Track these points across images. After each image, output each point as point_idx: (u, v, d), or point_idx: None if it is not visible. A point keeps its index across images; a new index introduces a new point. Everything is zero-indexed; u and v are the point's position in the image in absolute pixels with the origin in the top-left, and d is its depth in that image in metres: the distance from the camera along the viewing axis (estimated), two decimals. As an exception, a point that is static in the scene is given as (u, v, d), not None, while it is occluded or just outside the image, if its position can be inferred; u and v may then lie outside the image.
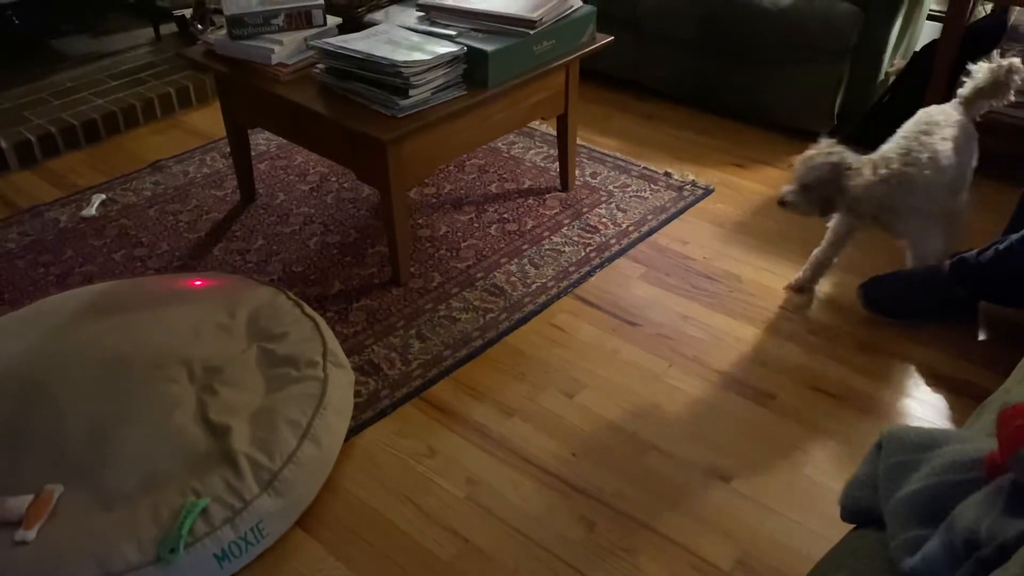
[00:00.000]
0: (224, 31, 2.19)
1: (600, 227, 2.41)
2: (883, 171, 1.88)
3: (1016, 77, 1.92)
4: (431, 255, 2.29)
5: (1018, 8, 2.74)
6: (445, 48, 1.96)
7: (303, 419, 1.60)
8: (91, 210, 2.51)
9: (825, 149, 1.86)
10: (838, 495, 1.08)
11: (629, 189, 2.59)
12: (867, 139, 2.80)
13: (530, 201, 2.54)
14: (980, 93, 1.96)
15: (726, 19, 2.77)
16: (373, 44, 1.97)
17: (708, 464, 1.68)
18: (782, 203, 1.92)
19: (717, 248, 2.32)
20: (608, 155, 2.78)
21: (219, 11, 2.99)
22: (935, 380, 1.87)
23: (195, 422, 1.59)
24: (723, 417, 1.79)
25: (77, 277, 2.23)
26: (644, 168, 2.70)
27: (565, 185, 2.58)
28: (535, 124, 2.91)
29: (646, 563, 1.48)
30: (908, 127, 1.97)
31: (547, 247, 2.32)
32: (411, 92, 1.90)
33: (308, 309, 1.91)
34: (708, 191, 2.57)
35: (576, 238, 2.36)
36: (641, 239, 2.35)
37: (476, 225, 2.42)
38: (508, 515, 1.58)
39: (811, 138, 2.81)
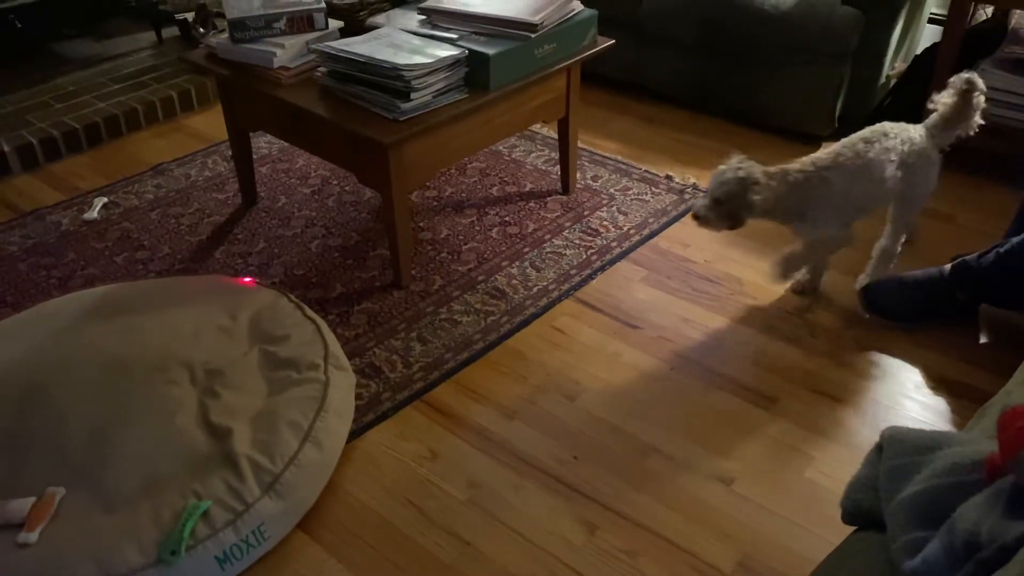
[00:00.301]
0: (226, 34, 2.19)
1: (601, 230, 2.41)
2: (797, 176, 1.89)
3: (978, 95, 1.90)
4: (432, 258, 2.30)
5: (1019, 11, 2.75)
6: (446, 51, 1.97)
7: (304, 421, 1.60)
8: (93, 213, 2.52)
9: (735, 164, 1.88)
10: (839, 497, 1.08)
11: (630, 192, 2.60)
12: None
13: (531, 204, 2.54)
14: (947, 121, 1.94)
15: (727, 22, 2.78)
16: (375, 47, 1.98)
17: (709, 466, 1.68)
18: (695, 217, 1.95)
19: (718, 251, 2.32)
20: (609, 158, 2.78)
21: (221, 14, 3.00)
22: (936, 383, 1.87)
23: (196, 424, 1.60)
24: (724, 420, 1.79)
25: (79, 280, 2.24)
26: (645, 171, 2.71)
27: (566, 188, 2.58)
28: (536, 127, 2.91)
29: (647, 565, 1.48)
30: (855, 134, 1.97)
31: (548, 250, 2.33)
32: (412, 95, 1.91)
33: (309, 312, 1.91)
34: (709, 194, 2.57)
35: (577, 241, 2.36)
36: (642, 242, 2.36)
37: (477, 228, 2.42)
38: (509, 518, 1.58)
39: (812, 141, 2.84)
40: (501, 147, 2.85)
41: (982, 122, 1.95)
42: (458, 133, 2.09)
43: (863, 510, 1.03)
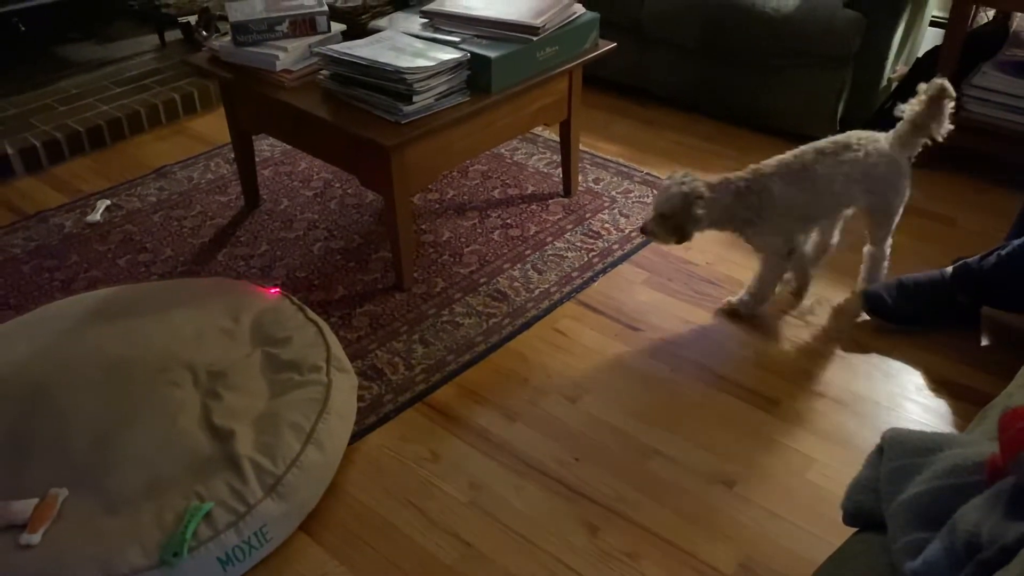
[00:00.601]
0: (229, 38, 2.20)
1: (603, 232, 2.41)
2: (739, 185, 1.90)
3: (949, 102, 1.90)
4: (434, 260, 2.30)
5: (1020, 14, 2.75)
6: (448, 54, 1.97)
7: (307, 423, 1.60)
8: (96, 216, 2.52)
9: (679, 179, 1.89)
10: (840, 499, 1.08)
11: (632, 195, 2.60)
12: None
13: (533, 207, 2.54)
14: (916, 128, 1.93)
15: (729, 25, 2.78)
16: (377, 50, 1.98)
17: (711, 468, 1.68)
18: (643, 231, 1.96)
19: (719, 253, 2.32)
20: (611, 161, 2.79)
21: (224, 18, 3.01)
22: (937, 385, 1.87)
23: (199, 426, 1.60)
24: (726, 422, 1.79)
25: (82, 282, 2.24)
26: (647, 174, 2.71)
27: (568, 191, 2.59)
28: (538, 130, 2.91)
29: (649, 567, 1.48)
30: (813, 143, 1.97)
31: (550, 252, 2.33)
32: (415, 98, 1.91)
33: (311, 314, 1.91)
34: (711, 197, 2.57)
35: (579, 243, 2.37)
36: (643, 245, 2.36)
37: (479, 230, 2.43)
38: (511, 519, 1.58)
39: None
40: (503, 150, 2.86)
41: (951, 127, 1.93)
42: (460, 136, 2.10)
43: (864, 511, 1.03)
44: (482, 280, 2.22)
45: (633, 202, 2.56)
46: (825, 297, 2.15)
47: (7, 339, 1.85)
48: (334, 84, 2.04)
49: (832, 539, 1.47)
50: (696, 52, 2.90)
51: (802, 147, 1.95)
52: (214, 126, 3.05)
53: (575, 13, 2.21)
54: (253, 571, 1.48)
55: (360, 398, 1.83)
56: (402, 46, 2.01)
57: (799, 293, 2.14)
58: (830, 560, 1.01)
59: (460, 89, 2.02)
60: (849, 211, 2.06)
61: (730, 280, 2.21)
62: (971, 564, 0.81)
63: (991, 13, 2.86)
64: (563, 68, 2.21)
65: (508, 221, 2.47)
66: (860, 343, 2.00)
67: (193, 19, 3.41)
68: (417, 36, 2.09)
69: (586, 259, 2.30)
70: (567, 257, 2.31)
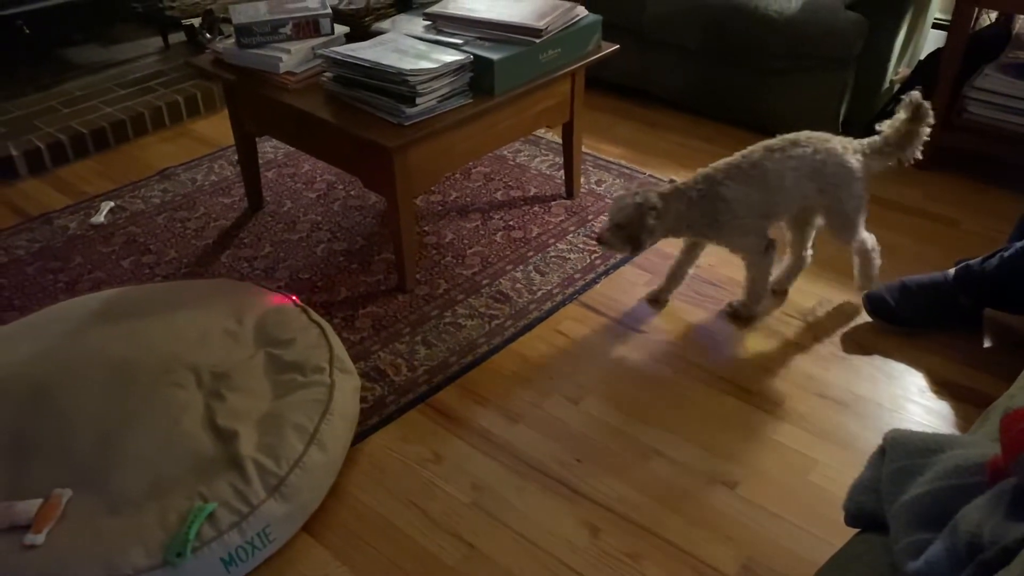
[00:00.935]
0: (232, 40, 2.20)
1: (605, 234, 2.42)
2: (691, 193, 1.91)
3: (926, 124, 1.89)
4: (437, 262, 2.30)
5: (1022, 16, 2.75)
6: (451, 56, 1.98)
7: (310, 425, 1.60)
8: (100, 217, 2.53)
9: (633, 190, 1.91)
10: (842, 500, 1.09)
11: (634, 197, 2.60)
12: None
13: (536, 208, 2.55)
14: (890, 144, 1.93)
15: (731, 27, 2.79)
16: (380, 53, 1.99)
17: (713, 470, 1.68)
18: (599, 241, 1.97)
19: (721, 255, 2.31)
20: (613, 163, 2.79)
21: (227, 20, 3.02)
22: (940, 386, 1.87)
23: (202, 427, 1.60)
24: (728, 423, 1.79)
25: (86, 284, 2.25)
26: (649, 176, 2.71)
27: (570, 192, 2.59)
28: (541, 132, 2.92)
29: (650, 568, 1.49)
30: (762, 142, 1.97)
31: (552, 254, 2.33)
32: (418, 100, 1.92)
33: (315, 315, 1.92)
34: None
35: (581, 245, 2.37)
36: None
37: (482, 232, 2.43)
38: (513, 520, 1.58)
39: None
40: (506, 152, 2.86)
41: (920, 156, 1.93)
42: (463, 138, 2.10)
43: (866, 512, 1.04)
44: (484, 282, 2.23)
45: (635, 204, 2.56)
46: (827, 298, 2.15)
47: (11, 340, 1.86)
48: (337, 86, 2.05)
49: (833, 540, 1.47)
50: (698, 54, 2.91)
51: (751, 147, 1.96)
52: (218, 128, 3.06)
53: (578, 15, 2.22)
54: (256, 571, 1.48)
55: (363, 399, 1.83)
56: (405, 48, 2.02)
57: (656, 300, 2.16)
58: (832, 561, 1.02)
59: (463, 91, 2.02)
60: (819, 220, 2.06)
61: (732, 282, 2.21)
62: (972, 565, 0.82)
63: (993, 15, 2.86)
64: (566, 70, 2.22)
65: (510, 223, 2.47)
66: (862, 345, 2.00)
67: (197, 21, 3.43)
68: (420, 38, 2.10)
69: (588, 261, 2.30)
70: (569, 259, 2.31)
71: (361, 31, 2.26)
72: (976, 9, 2.55)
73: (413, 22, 2.24)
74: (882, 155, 1.95)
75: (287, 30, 2.17)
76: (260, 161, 2.58)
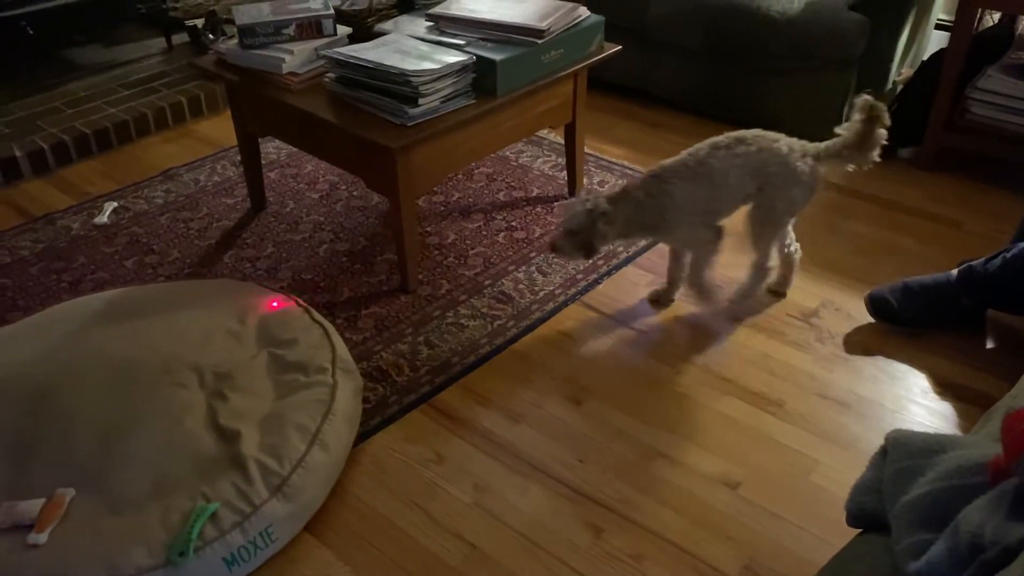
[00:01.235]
0: (235, 41, 2.21)
1: (608, 235, 2.41)
2: (638, 194, 1.92)
3: (881, 129, 1.88)
4: (439, 263, 2.31)
5: (1026, 17, 2.75)
6: (454, 57, 1.98)
7: (312, 425, 1.61)
8: (103, 218, 2.54)
9: (583, 196, 1.92)
10: (844, 501, 1.09)
11: (637, 197, 2.60)
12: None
13: (538, 209, 2.55)
14: (846, 147, 1.91)
15: (733, 28, 2.79)
16: (383, 53, 1.99)
17: (715, 470, 1.68)
18: (552, 248, 1.98)
19: (725, 256, 2.31)
20: (616, 163, 2.79)
21: (230, 21, 3.02)
22: (942, 387, 1.87)
23: (205, 427, 1.61)
24: (730, 424, 1.79)
25: (89, 284, 2.25)
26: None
27: (573, 193, 2.59)
28: (543, 132, 2.92)
29: (652, 568, 1.49)
30: (709, 139, 1.97)
31: (554, 255, 2.33)
32: (420, 101, 1.92)
33: (317, 316, 1.92)
34: (715, 199, 2.57)
35: (584, 246, 2.37)
36: (648, 247, 2.36)
37: (484, 233, 2.43)
38: (515, 521, 1.58)
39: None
40: (508, 152, 2.86)
41: (877, 160, 1.92)
42: (465, 138, 2.11)
43: (868, 512, 1.03)
44: (487, 282, 2.23)
45: (638, 205, 2.56)
46: (829, 299, 2.15)
47: (15, 340, 1.86)
48: (340, 87, 2.05)
49: (835, 541, 1.46)
50: (701, 55, 2.91)
51: (699, 144, 1.97)
52: (220, 129, 3.06)
53: (580, 16, 2.22)
54: (258, 571, 1.48)
55: (365, 399, 1.83)
56: (408, 49, 2.02)
57: (658, 300, 2.16)
58: (833, 561, 1.02)
59: (465, 92, 2.03)
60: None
61: (735, 283, 2.21)
62: (974, 565, 0.82)
63: (997, 16, 2.86)
64: (568, 71, 2.22)
65: (513, 223, 2.48)
66: (864, 345, 2.00)
67: (200, 22, 3.43)
68: (423, 39, 2.10)
69: (591, 261, 2.30)
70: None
71: (364, 32, 2.26)
72: (979, 10, 2.55)
73: (416, 23, 2.24)
74: (839, 158, 1.94)
75: (290, 31, 2.17)
76: (263, 162, 2.59)
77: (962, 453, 0.97)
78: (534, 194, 2.63)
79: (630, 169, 2.75)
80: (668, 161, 1.96)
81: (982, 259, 1.95)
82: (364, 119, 1.98)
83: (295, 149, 2.83)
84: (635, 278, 2.25)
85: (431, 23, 2.20)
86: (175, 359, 1.74)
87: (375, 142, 1.90)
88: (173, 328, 1.84)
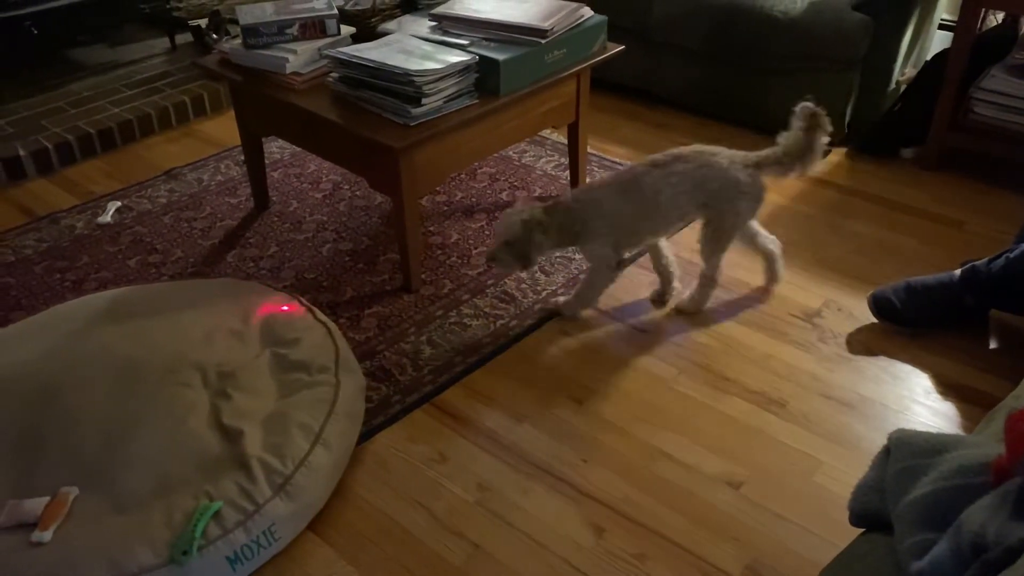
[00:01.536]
0: (239, 41, 2.21)
1: (610, 235, 2.41)
2: (570, 203, 1.94)
3: (821, 134, 1.88)
4: (442, 262, 2.31)
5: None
6: (457, 57, 1.98)
7: (315, 424, 1.61)
8: (107, 217, 2.54)
9: (518, 207, 1.93)
10: (847, 501, 1.09)
11: (639, 197, 2.60)
12: (877, 148, 2.81)
13: (541, 209, 2.55)
14: (786, 155, 1.91)
15: (737, 28, 2.79)
16: (386, 53, 1.99)
17: (717, 470, 1.68)
18: (489, 259, 2.00)
19: (728, 256, 2.32)
20: (619, 164, 2.79)
21: (234, 21, 3.03)
22: (945, 388, 1.87)
23: (208, 426, 1.61)
24: (732, 424, 1.79)
25: (92, 283, 2.26)
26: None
27: (576, 193, 2.59)
28: (546, 132, 2.92)
29: (655, 568, 1.49)
30: (652, 156, 1.98)
31: (558, 254, 2.33)
32: (423, 101, 1.92)
33: (320, 315, 1.92)
34: (718, 199, 2.57)
35: (586, 246, 2.37)
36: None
37: (487, 233, 2.43)
38: (518, 520, 1.58)
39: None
40: (511, 152, 2.86)
41: (818, 167, 1.91)
42: (468, 138, 2.11)
43: (871, 512, 1.04)
44: (490, 282, 2.23)
45: (641, 205, 2.56)
46: (832, 299, 2.15)
47: (18, 340, 1.87)
48: (343, 86, 2.05)
49: (838, 541, 1.46)
50: (704, 55, 2.91)
51: (639, 161, 1.98)
52: (224, 128, 3.07)
53: (583, 16, 2.22)
54: (261, 570, 1.49)
55: (368, 399, 1.83)
56: (411, 49, 2.02)
57: (662, 299, 2.16)
58: (836, 560, 1.02)
59: (468, 92, 2.03)
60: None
61: (737, 283, 2.21)
62: (977, 565, 0.82)
63: (1000, 16, 2.86)
64: (571, 71, 2.22)
65: (516, 223, 2.47)
66: (867, 346, 2.00)
67: (204, 22, 3.43)
68: (426, 39, 2.10)
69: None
70: (575, 259, 2.31)
71: (367, 32, 2.26)
72: (983, 10, 2.55)
73: (419, 23, 2.25)
74: (780, 166, 1.94)
75: (293, 31, 2.17)
76: (266, 161, 2.59)
77: (965, 453, 0.97)
78: (537, 194, 2.63)
79: (633, 169, 2.75)
80: (607, 175, 1.98)
81: (985, 259, 1.95)
82: (367, 119, 1.98)
83: (298, 149, 2.83)
84: (637, 278, 2.25)
85: (434, 23, 2.20)
86: (178, 358, 1.74)
87: (378, 142, 1.91)
88: (176, 327, 1.85)
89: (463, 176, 2.73)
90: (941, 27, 3.15)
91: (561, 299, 2.12)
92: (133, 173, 2.80)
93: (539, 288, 2.20)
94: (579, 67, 2.24)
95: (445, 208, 2.56)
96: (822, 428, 1.77)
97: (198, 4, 3.49)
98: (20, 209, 2.62)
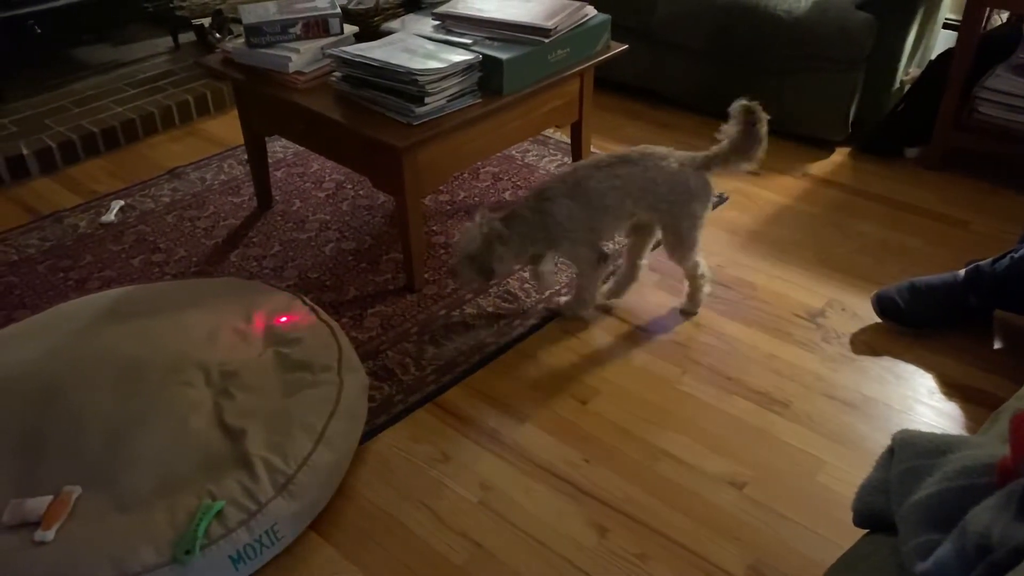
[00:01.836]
0: (242, 40, 2.21)
1: (614, 234, 2.41)
2: (525, 214, 1.94)
3: (761, 125, 1.87)
4: (445, 262, 2.31)
5: (1034, 17, 2.74)
6: (460, 56, 1.98)
7: (318, 423, 1.61)
8: (110, 216, 2.54)
9: (478, 221, 1.93)
10: (851, 502, 1.08)
11: (643, 197, 2.59)
12: (881, 147, 2.81)
13: (544, 208, 2.54)
14: (730, 151, 1.91)
15: (740, 28, 2.78)
16: (389, 52, 1.99)
17: (721, 470, 1.68)
18: (452, 274, 2.00)
19: (731, 256, 2.32)
20: (622, 163, 2.78)
21: (237, 20, 3.03)
22: (949, 388, 1.86)
23: (211, 425, 1.61)
24: (736, 424, 1.79)
25: (96, 282, 2.26)
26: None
27: (579, 193, 2.59)
28: (549, 132, 2.92)
29: (658, 568, 1.48)
30: (594, 157, 1.98)
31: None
32: (426, 100, 1.92)
33: (323, 314, 1.92)
34: (722, 199, 2.57)
35: (590, 245, 2.37)
36: (655, 247, 2.35)
37: (490, 232, 2.43)
38: (521, 520, 1.58)
39: (826, 147, 2.84)
40: (514, 151, 2.86)
41: (761, 156, 1.90)
42: (471, 137, 2.10)
43: (875, 512, 1.03)
44: (492, 281, 2.22)
45: (644, 204, 2.55)
46: (835, 299, 2.14)
47: (21, 339, 1.87)
48: (346, 86, 2.05)
49: (842, 542, 1.47)
50: (708, 55, 2.90)
51: (584, 161, 1.98)
52: (227, 128, 3.07)
53: (587, 15, 2.22)
54: (264, 570, 1.49)
55: (371, 398, 1.83)
56: (414, 48, 2.02)
57: (614, 294, 2.16)
58: (840, 561, 1.01)
59: (472, 91, 2.03)
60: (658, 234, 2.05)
61: (741, 283, 2.21)
62: (981, 566, 0.81)
63: (1005, 15, 2.85)
64: (574, 70, 2.22)
65: (519, 223, 2.47)
66: (871, 346, 1.99)
67: (207, 21, 3.44)
68: (429, 38, 2.10)
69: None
70: (578, 259, 2.31)
71: (370, 31, 2.26)
72: (987, 9, 2.54)
73: (422, 22, 2.24)
74: (727, 163, 1.94)
75: (296, 30, 2.17)
76: (269, 160, 2.59)
77: (969, 453, 0.97)
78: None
79: (636, 168, 2.75)
80: (552, 176, 1.98)
81: (989, 259, 1.94)
82: (370, 118, 1.98)
83: (301, 148, 2.83)
84: (641, 277, 2.24)
85: (437, 22, 2.20)
86: (181, 357, 1.74)
87: (381, 141, 1.91)
88: (179, 327, 1.85)
89: (466, 175, 2.73)
90: (945, 26, 3.14)
91: (563, 299, 2.12)
92: (136, 172, 2.80)
93: (542, 288, 2.20)
94: (582, 66, 2.24)
95: (448, 208, 2.56)
96: (825, 428, 1.77)
97: (201, 3, 3.49)
98: (24, 208, 2.62)
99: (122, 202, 2.62)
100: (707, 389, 1.88)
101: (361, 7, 2.36)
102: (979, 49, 2.53)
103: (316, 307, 1.95)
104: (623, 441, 1.75)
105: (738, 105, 1.88)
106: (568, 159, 2.73)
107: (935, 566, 0.85)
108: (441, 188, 2.64)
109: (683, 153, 1.97)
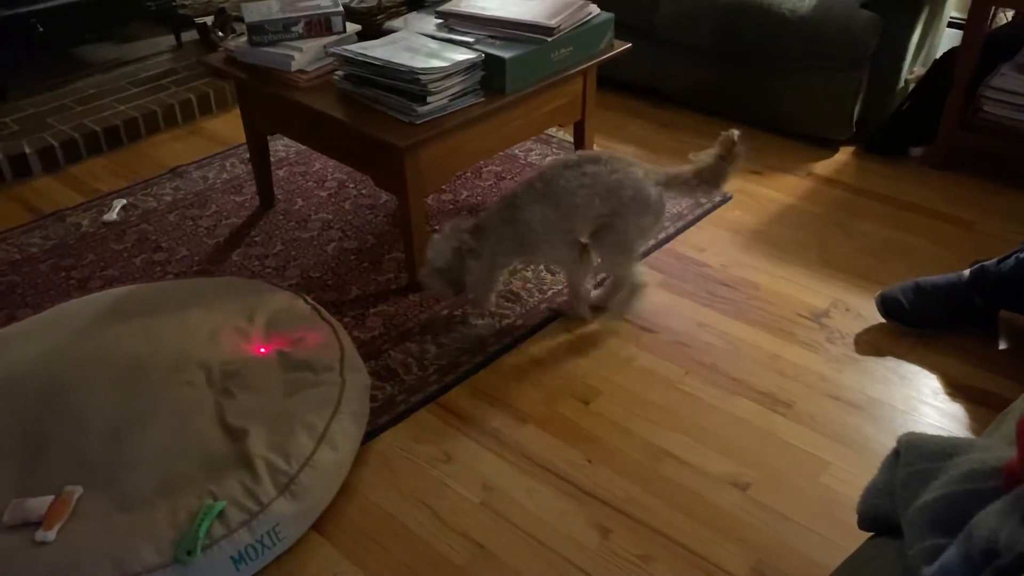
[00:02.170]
0: (244, 38, 2.21)
1: (617, 234, 2.40)
2: (494, 223, 1.93)
3: (737, 161, 1.87)
4: (448, 261, 2.30)
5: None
6: (463, 55, 1.97)
7: (320, 423, 1.61)
8: (112, 215, 2.54)
9: (447, 233, 1.93)
10: (855, 503, 1.08)
11: (646, 196, 2.59)
12: (886, 147, 2.80)
13: (547, 208, 2.54)
14: (696, 175, 1.90)
15: (744, 27, 2.77)
16: (392, 51, 1.98)
17: (724, 471, 1.67)
18: (421, 286, 2.00)
19: (734, 256, 2.31)
20: (625, 162, 2.78)
21: (240, 18, 3.03)
22: (954, 389, 1.86)
23: (213, 425, 1.61)
24: (739, 425, 1.78)
25: (98, 281, 2.26)
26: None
27: (582, 192, 2.58)
28: (552, 131, 2.91)
29: (660, 569, 1.48)
30: (563, 157, 1.97)
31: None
32: (429, 99, 1.91)
33: (325, 314, 1.92)
34: (726, 199, 2.56)
35: (592, 245, 2.36)
36: (658, 246, 2.35)
37: (493, 231, 2.43)
38: (523, 521, 1.58)
39: (830, 146, 2.83)
40: (517, 150, 2.86)
41: (727, 191, 1.90)
42: (474, 136, 2.10)
43: (879, 516, 1.03)
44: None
45: (647, 203, 2.55)
46: (840, 300, 2.13)
47: (23, 337, 1.87)
48: (349, 84, 2.05)
49: (846, 543, 1.46)
50: (711, 54, 2.89)
51: (548, 163, 1.97)
52: (229, 126, 3.06)
53: (590, 14, 2.21)
54: (265, 570, 1.48)
55: (373, 398, 1.83)
56: (417, 47, 2.01)
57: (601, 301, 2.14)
58: (844, 564, 1.01)
59: (474, 90, 2.02)
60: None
61: (745, 283, 2.20)
62: (988, 570, 0.81)
63: (1010, 14, 2.84)
64: (578, 69, 2.21)
65: (522, 222, 2.47)
66: (875, 346, 1.99)
67: (209, 20, 3.44)
68: (432, 37, 2.09)
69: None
70: (580, 258, 2.30)
71: (373, 29, 2.26)
72: (992, 8, 2.53)
73: (425, 20, 2.24)
74: (687, 187, 1.94)
75: (299, 28, 2.17)
76: (272, 159, 2.59)
77: (976, 456, 0.96)
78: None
79: (639, 168, 2.74)
80: (515, 186, 1.97)
81: (995, 259, 1.93)
82: (373, 117, 1.97)
83: (304, 147, 2.83)
84: (644, 277, 2.23)
85: (440, 20, 2.19)
86: (183, 357, 1.74)
87: (384, 140, 1.90)
88: (181, 326, 1.85)
89: (469, 174, 2.72)
90: (950, 25, 3.13)
91: (565, 299, 2.12)
92: (139, 171, 2.80)
93: (544, 288, 2.19)
94: (585, 65, 2.23)
95: (451, 207, 2.56)
96: (829, 429, 1.76)
97: (204, 2, 3.49)
98: (26, 207, 2.62)
99: (124, 201, 2.62)
100: (710, 389, 1.87)
101: (364, 5, 2.35)
102: (984, 48, 2.51)
103: (318, 306, 1.95)
104: (625, 441, 1.75)
105: (726, 135, 1.88)
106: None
107: (941, 570, 0.85)
108: (444, 187, 2.63)
109: (648, 165, 1.96)
